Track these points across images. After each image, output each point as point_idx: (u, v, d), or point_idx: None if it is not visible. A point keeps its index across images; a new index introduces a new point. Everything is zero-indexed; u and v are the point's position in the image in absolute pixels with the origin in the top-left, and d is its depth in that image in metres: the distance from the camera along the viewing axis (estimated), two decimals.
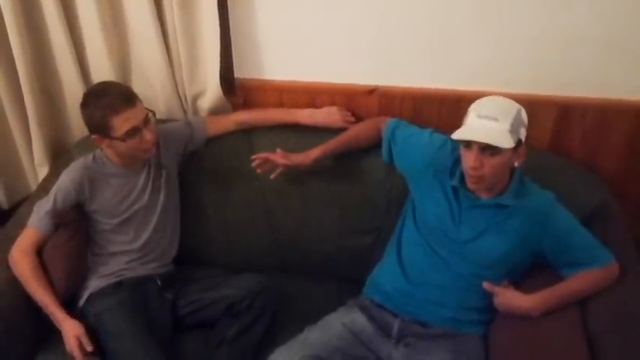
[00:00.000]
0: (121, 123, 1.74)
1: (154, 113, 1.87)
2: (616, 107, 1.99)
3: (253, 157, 1.98)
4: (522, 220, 1.70)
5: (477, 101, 1.65)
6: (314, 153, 1.96)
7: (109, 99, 1.75)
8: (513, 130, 1.58)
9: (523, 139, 1.62)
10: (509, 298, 1.70)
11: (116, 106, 1.73)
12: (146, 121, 1.80)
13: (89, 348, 1.72)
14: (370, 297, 1.88)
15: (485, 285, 1.72)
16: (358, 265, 2.03)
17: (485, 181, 1.66)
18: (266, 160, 1.97)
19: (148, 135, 1.80)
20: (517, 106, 1.62)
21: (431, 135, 1.89)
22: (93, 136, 1.82)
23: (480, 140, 1.58)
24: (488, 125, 1.59)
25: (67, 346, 1.74)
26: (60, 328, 1.76)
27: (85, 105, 1.80)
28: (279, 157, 1.95)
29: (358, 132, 2.01)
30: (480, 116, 1.60)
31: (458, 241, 1.76)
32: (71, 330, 1.74)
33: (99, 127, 1.77)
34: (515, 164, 1.66)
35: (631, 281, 1.69)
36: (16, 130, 2.25)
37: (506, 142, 1.57)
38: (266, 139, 2.07)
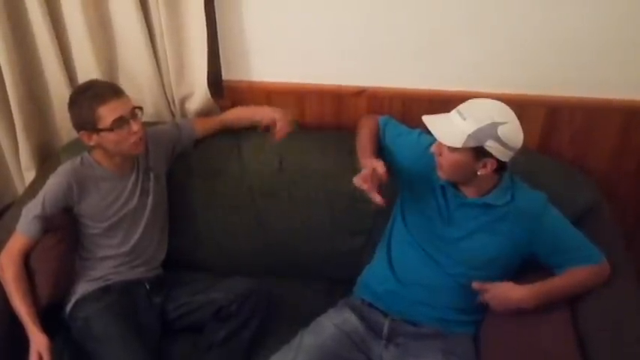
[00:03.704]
0: (108, 112, 1.74)
1: (141, 108, 1.85)
2: (605, 107, 2.00)
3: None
4: (514, 221, 1.70)
5: (473, 99, 1.65)
6: (368, 162, 1.76)
7: (95, 90, 1.76)
8: (475, 136, 1.56)
9: (493, 153, 1.58)
10: (502, 290, 1.69)
11: (103, 96, 1.74)
12: (133, 113, 1.80)
13: None
14: (360, 297, 1.87)
15: (475, 285, 1.71)
16: (348, 266, 2.02)
17: (443, 171, 1.68)
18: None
19: (135, 126, 1.79)
20: (499, 120, 1.56)
21: (419, 135, 1.89)
22: (81, 133, 1.81)
23: (431, 128, 1.61)
24: (454, 120, 1.59)
25: (31, 353, 1.71)
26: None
27: (71, 102, 1.80)
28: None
29: (372, 138, 1.93)
30: (457, 110, 1.61)
31: (447, 241, 1.76)
32: (36, 344, 1.71)
33: (86, 121, 1.76)
34: (478, 173, 1.64)
35: (621, 281, 1.69)
36: (2, 134, 2.23)
37: (454, 141, 1.58)
38: (254, 140, 2.07)
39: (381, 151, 1.93)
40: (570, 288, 1.68)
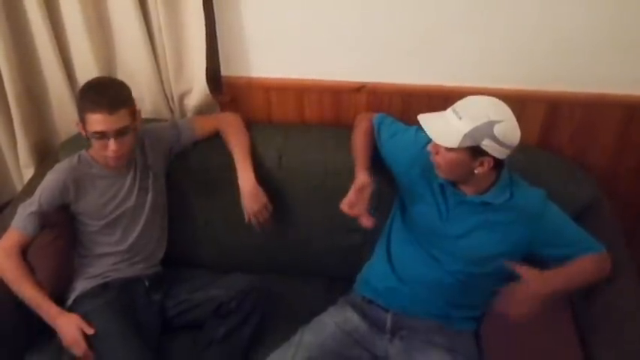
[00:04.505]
0: (92, 122, 1.72)
1: (135, 128, 1.82)
2: (605, 102, 1.99)
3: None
4: (514, 219, 1.70)
5: (468, 97, 1.64)
6: (361, 173, 1.79)
7: (95, 96, 1.74)
8: (471, 135, 1.54)
9: (490, 151, 1.56)
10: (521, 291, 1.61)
11: (96, 105, 1.71)
12: (120, 132, 1.75)
13: (90, 331, 1.74)
14: (361, 293, 1.87)
15: (512, 265, 1.63)
16: (347, 263, 2.02)
17: (441, 170, 1.67)
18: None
19: (113, 145, 1.75)
20: (496, 118, 1.54)
21: (416, 133, 1.87)
22: (77, 122, 1.81)
23: (425, 128, 1.60)
24: (450, 119, 1.58)
25: (66, 340, 1.74)
26: (54, 325, 1.76)
27: (80, 90, 1.81)
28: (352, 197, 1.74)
29: (367, 140, 1.93)
30: (452, 109, 1.60)
31: (447, 239, 1.75)
32: (70, 322, 1.75)
33: (80, 116, 1.78)
34: (476, 171, 1.62)
35: (622, 276, 1.70)
36: (1, 131, 2.23)
37: (450, 141, 1.56)
38: (253, 137, 2.06)
39: (377, 151, 1.93)
40: (577, 276, 1.66)
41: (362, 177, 1.76)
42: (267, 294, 1.94)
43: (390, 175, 1.93)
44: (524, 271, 1.61)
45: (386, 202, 1.97)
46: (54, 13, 2.04)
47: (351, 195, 1.72)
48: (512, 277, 1.74)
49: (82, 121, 1.76)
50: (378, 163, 1.93)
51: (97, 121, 1.72)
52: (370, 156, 1.89)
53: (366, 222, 1.68)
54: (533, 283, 1.61)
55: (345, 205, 1.71)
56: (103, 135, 1.74)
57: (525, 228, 1.69)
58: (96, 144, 1.78)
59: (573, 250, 1.69)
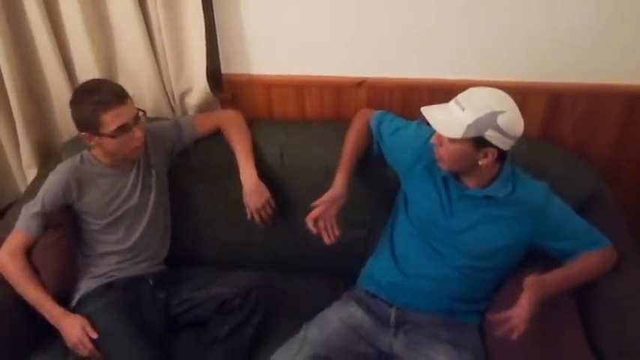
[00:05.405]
0: (111, 119, 1.73)
1: (144, 112, 1.86)
2: (606, 92, 1.98)
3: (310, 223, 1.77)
4: (517, 213, 1.69)
5: (470, 88, 1.63)
6: (339, 184, 1.82)
7: (99, 96, 1.73)
8: (475, 126, 1.53)
9: (493, 142, 1.55)
10: (516, 314, 1.56)
11: (107, 102, 1.72)
12: (136, 119, 1.79)
13: (94, 335, 1.74)
14: (365, 288, 1.87)
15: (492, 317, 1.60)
16: (351, 258, 2.01)
17: (444, 162, 1.67)
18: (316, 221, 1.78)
19: (138, 132, 1.79)
20: (498, 109, 1.53)
21: (417, 127, 1.86)
22: (82, 134, 1.80)
23: (429, 119, 1.60)
24: (453, 111, 1.57)
25: (70, 341, 1.75)
26: (58, 326, 1.76)
27: (74, 102, 1.79)
28: (322, 208, 1.77)
29: (357, 141, 1.94)
30: (455, 100, 1.60)
31: (451, 233, 1.75)
32: (74, 322, 1.75)
33: (88, 124, 1.76)
34: (479, 163, 1.61)
35: (626, 266, 1.69)
36: (3, 132, 2.24)
37: (454, 132, 1.56)
38: (255, 134, 2.07)
39: (377, 148, 1.94)
40: (579, 275, 1.67)
41: (336, 190, 1.80)
42: (270, 291, 1.94)
43: (392, 171, 1.93)
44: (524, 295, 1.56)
45: (388, 197, 1.97)
46: (54, 12, 2.04)
47: (320, 207, 1.75)
48: (515, 270, 1.74)
49: (95, 126, 1.74)
50: (380, 159, 1.94)
51: (117, 116, 1.73)
52: (355, 161, 1.90)
53: (328, 239, 1.75)
54: (528, 301, 1.55)
55: (309, 220, 1.75)
56: (125, 127, 1.75)
57: (528, 222, 1.69)
58: (118, 141, 1.77)
59: (577, 243, 1.69)
